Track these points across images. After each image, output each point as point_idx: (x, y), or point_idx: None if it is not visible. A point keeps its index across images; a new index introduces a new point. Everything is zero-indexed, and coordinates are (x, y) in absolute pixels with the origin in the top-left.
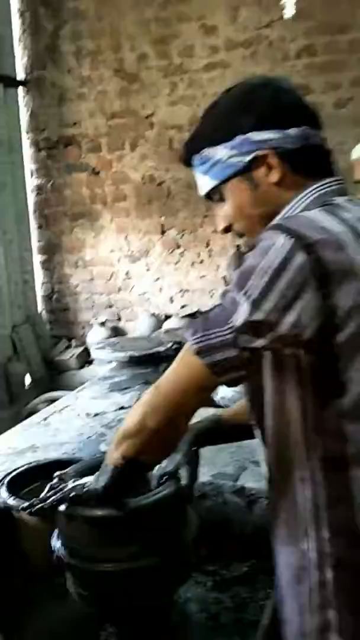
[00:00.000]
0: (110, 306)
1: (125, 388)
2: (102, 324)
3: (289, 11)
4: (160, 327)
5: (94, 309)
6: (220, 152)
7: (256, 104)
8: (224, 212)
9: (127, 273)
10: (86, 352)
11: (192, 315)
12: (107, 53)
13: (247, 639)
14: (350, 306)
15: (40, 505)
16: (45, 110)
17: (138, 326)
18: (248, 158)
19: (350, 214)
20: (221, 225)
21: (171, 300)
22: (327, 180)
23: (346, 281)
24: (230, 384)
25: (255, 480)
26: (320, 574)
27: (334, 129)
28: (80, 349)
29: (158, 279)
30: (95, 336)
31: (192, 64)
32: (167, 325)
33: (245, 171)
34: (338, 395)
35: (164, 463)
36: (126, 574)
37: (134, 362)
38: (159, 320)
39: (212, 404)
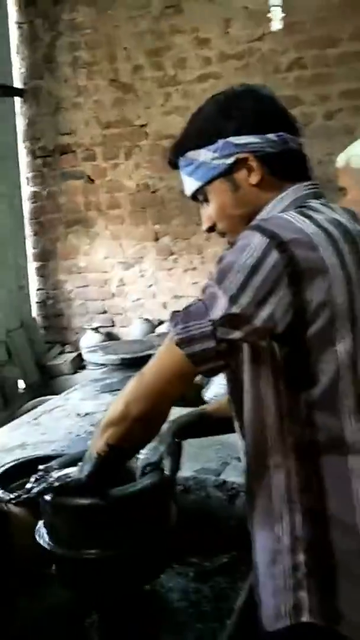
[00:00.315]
0: (104, 312)
1: (116, 390)
2: (96, 329)
3: (277, 24)
4: (153, 333)
5: (88, 315)
6: (204, 155)
7: (238, 110)
8: (207, 212)
9: (121, 279)
10: (79, 357)
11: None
12: (102, 64)
13: (225, 625)
14: (320, 302)
15: (25, 496)
16: (42, 119)
17: (132, 332)
18: (229, 161)
19: (323, 215)
20: (205, 225)
21: (164, 306)
22: (304, 183)
23: (317, 279)
24: (209, 373)
25: (237, 475)
26: (293, 557)
27: (324, 140)
28: (74, 354)
29: (151, 285)
30: (88, 341)
31: (186, 75)
32: (160, 330)
33: (227, 173)
34: (309, 385)
35: (148, 454)
36: (109, 562)
37: (126, 364)
38: (153, 326)
39: (203, 402)
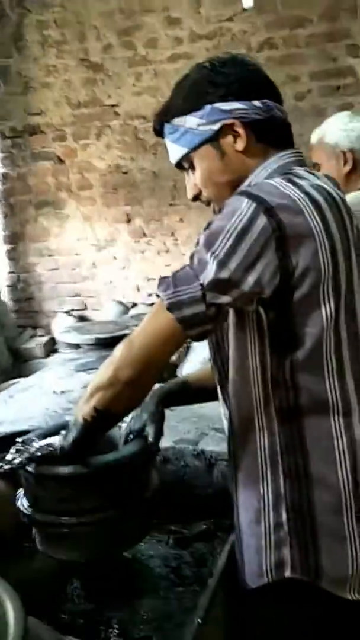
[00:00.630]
0: (76, 295)
1: (91, 369)
2: (68, 312)
3: (247, 2)
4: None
5: (59, 298)
6: (190, 121)
7: (224, 77)
8: (193, 180)
9: (93, 262)
10: (52, 340)
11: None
12: (72, 43)
13: (205, 587)
14: (305, 267)
15: (8, 467)
16: (11, 99)
17: (105, 314)
18: (216, 127)
19: (307, 182)
20: (190, 194)
21: (137, 288)
22: (289, 151)
23: (303, 244)
24: (197, 338)
25: (215, 444)
26: (276, 516)
27: (294, 121)
28: (46, 337)
29: (124, 267)
30: (60, 325)
31: (157, 55)
32: (134, 312)
33: (213, 139)
34: (294, 348)
35: (131, 422)
36: (90, 527)
37: (101, 344)
38: (126, 309)
39: None
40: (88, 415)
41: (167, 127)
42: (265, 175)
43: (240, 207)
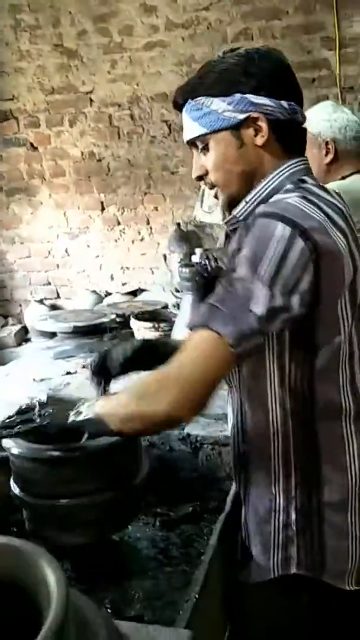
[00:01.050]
0: (48, 283)
1: (70, 356)
2: (40, 301)
3: None
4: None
5: (31, 287)
6: (217, 104)
7: (259, 69)
8: (203, 161)
9: (66, 250)
10: (24, 329)
11: (133, 293)
12: (46, 28)
13: (193, 567)
14: (333, 284)
15: (7, 432)
16: None
17: (78, 303)
18: (242, 116)
19: (322, 200)
20: (196, 173)
21: (112, 277)
22: (298, 159)
23: (334, 262)
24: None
25: (200, 429)
26: (286, 516)
27: None
28: (18, 326)
29: (98, 256)
30: (33, 313)
31: (132, 43)
32: (109, 301)
33: (236, 127)
34: (312, 357)
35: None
36: (81, 509)
37: (78, 332)
38: (100, 298)
39: None
40: (114, 431)
41: (190, 104)
42: (277, 182)
43: (276, 232)
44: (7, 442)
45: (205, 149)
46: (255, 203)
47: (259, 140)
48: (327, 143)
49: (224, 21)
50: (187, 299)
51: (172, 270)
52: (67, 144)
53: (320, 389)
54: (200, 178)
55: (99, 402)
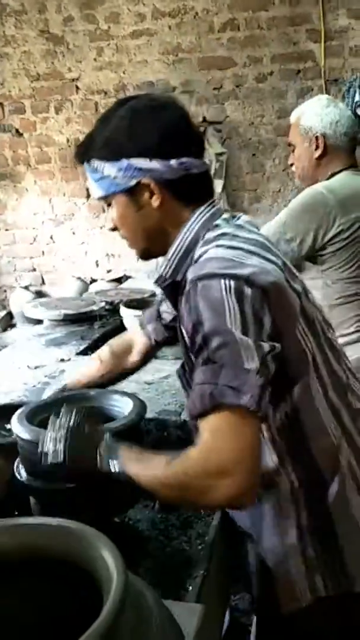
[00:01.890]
0: (34, 270)
1: (62, 344)
2: (26, 287)
3: None
4: (87, 291)
5: (16, 273)
6: (108, 169)
7: (144, 130)
8: (111, 215)
9: (51, 237)
10: (9, 315)
11: (118, 280)
12: (31, 13)
13: (192, 547)
14: (288, 314)
15: None
16: None
17: (63, 290)
18: (132, 183)
19: (242, 241)
20: (109, 225)
21: (97, 264)
22: (205, 206)
23: (280, 295)
24: None
25: None
26: (304, 548)
27: (255, 102)
28: (3, 312)
29: (83, 243)
30: (18, 300)
31: (119, 31)
32: (94, 288)
33: (130, 192)
34: (289, 389)
35: None
36: (86, 493)
37: (69, 320)
38: (86, 284)
39: None
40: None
41: (87, 165)
42: (192, 235)
43: (222, 291)
44: (16, 427)
45: (110, 206)
46: (177, 259)
47: (155, 203)
48: (317, 138)
49: (210, 11)
50: None
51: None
52: (53, 130)
53: (303, 417)
54: (114, 229)
55: (125, 456)
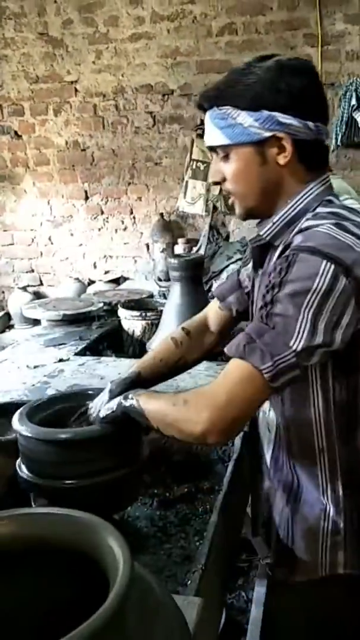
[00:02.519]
0: (32, 271)
1: (61, 344)
2: (24, 288)
3: None
4: (84, 292)
5: (15, 274)
6: (243, 117)
7: (289, 87)
8: (222, 169)
9: (49, 238)
10: (7, 316)
11: (116, 281)
12: (31, 16)
13: (190, 543)
14: None
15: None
16: None
17: (62, 291)
18: (267, 134)
19: (352, 223)
20: (213, 178)
21: (95, 265)
22: (321, 179)
23: None
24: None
25: None
26: (335, 523)
27: None
28: (1, 313)
29: (81, 244)
30: (16, 300)
31: (118, 34)
32: (93, 289)
33: (259, 144)
34: (355, 374)
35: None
36: (86, 490)
37: (67, 320)
38: (84, 286)
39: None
40: (151, 425)
41: (215, 111)
42: (303, 204)
43: (319, 270)
44: (16, 425)
45: (227, 157)
46: (281, 225)
47: (282, 160)
48: None
49: (209, 15)
50: (176, 289)
51: (155, 260)
52: (52, 132)
53: None
54: (217, 183)
55: (143, 395)
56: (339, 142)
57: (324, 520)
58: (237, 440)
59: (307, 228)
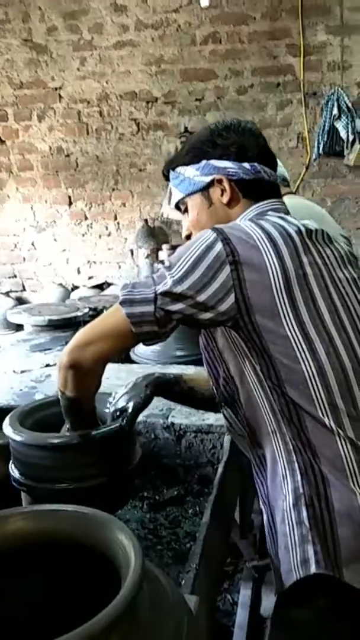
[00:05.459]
0: (14, 276)
1: (47, 349)
2: (6, 293)
3: (204, 2)
4: (68, 298)
5: None
6: (189, 171)
7: (224, 140)
8: (186, 221)
9: (32, 243)
10: None
11: (100, 287)
12: (15, 22)
13: (181, 545)
14: (259, 294)
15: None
16: None
17: (45, 296)
18: (207, 180)
19: (270, 223)
20: (184, 233)
21: (78, 271)
22: (268, 200)
23: (256, 272)
24: (145, 338)
25: (182, 417)
26: (297, 513)
27: (235, 114)
28: None
29: (65, 250)
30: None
31: (102, 41)
32: (77, 294)
33: (204, 189)
34: (273, 366)
35: (118, 401)
36: (78, 493)
37: (52, 326)
38: (67, 291)
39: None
40: (58, 393)
41: (172, 173)
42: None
43: (202, 236)
44: (7, 430)
45: (186, 210)
46: None
47: (225, 199)
48: None
49: (193, 24)
50: None
51: (139, 265)
52: (35, 138)
53: (303, 410)
54: (188, 237)
55: None
56: (320, 151)
57: (286, 511)
58: (226, 444)
59: None
